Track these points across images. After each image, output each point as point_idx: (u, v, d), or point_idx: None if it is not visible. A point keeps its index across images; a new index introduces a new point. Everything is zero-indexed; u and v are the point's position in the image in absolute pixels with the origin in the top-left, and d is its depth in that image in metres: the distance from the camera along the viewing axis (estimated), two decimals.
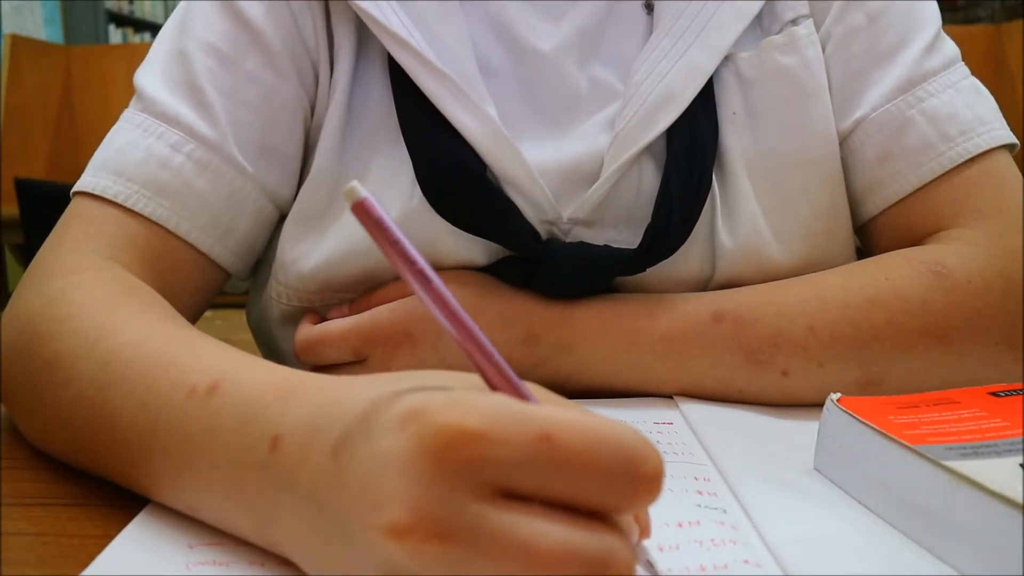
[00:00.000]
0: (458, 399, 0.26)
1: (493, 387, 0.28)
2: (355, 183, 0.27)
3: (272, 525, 0.31)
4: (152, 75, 0.56)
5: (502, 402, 0.26)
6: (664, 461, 0.26)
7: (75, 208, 0.54)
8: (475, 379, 0.29)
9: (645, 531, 0.30)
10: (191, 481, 0.35)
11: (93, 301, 0.45)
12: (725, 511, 0.37)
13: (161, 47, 0.58)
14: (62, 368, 0.42)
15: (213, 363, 0.37)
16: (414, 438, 0.25)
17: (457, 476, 0.25)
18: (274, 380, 0.34)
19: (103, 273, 0.49)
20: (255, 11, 0.56)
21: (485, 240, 0.54)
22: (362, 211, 0.27)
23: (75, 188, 0.54)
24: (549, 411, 0.26)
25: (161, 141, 0.54)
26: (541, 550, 0.24)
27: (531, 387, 0.30)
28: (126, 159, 0.54)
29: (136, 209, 0.53)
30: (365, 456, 0.27)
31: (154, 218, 0.53)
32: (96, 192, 0.53)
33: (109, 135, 0.56)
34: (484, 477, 0.25)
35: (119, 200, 0.53)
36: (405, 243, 0.27)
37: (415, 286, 0.27)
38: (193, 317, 0.58)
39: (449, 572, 0.24)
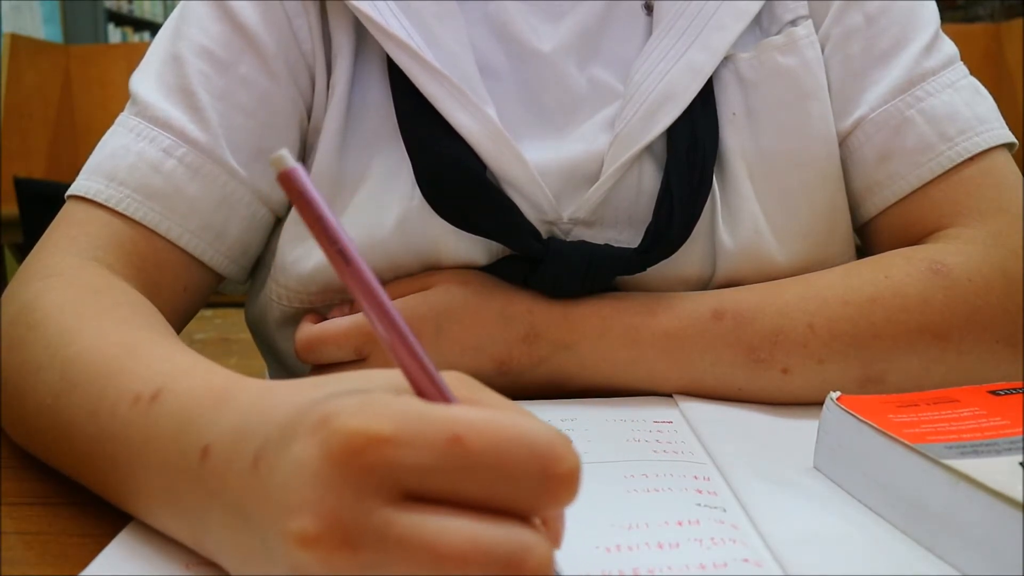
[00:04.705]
0: (368, 402, 0.25)
1: (409, 376, 0.27)
2: (283, 151, 0.26)
3: (204, 534, 0.31)
4: (146, 79, 0.56)
5: (412, 404, 0.25)
6: (583, 461, 0.26)
7: (66, 211, 0.55)
8: (399, 378, 0.28)
9: (556, 541, 0.29)
10: (134, 490, 0.35)
11: (61, 306, 0.45)
12: (725, 510, 0.37)
13: (156, 50, 0.58)
14: (27, 377, 0.42)
15: (157, 370, 0.37)
16: (323, 444, 0.25)
17: (365, 481, 0.24)
18: (210, 387, 0.33)
19: (79, 274, 0.49)
20: (249, 14, 0.56)
21: (486, 240, 0.54)
22: (288, 182, 0.26)
23: (68, 192, 0.55)
24: (459, 412, 0.25)
25: (153, 145, 0.54)
26: (450, 550, 0.24)
27: (452, 377, 0.29)
28: (118, 163, 0.54)
29: (127, 213, 0.53)
30: (281, 464, 0.26)
31: (144, 222, 0.53)
32: (88, 196, 0.53)
33: (103, 139, 0.56)
34: (392, 481, 0.24)
35: (110, 204, 0.53)
36: (329, 218, 0.26)
37: (334, 264, 0.26)
38: (184, 315, 0.58)
39: None
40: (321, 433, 0.25)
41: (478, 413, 0.25)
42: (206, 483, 0.30)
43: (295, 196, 0.26)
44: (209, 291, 0.59)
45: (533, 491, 0.25)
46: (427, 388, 0.27)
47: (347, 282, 0.27)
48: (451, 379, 0.29)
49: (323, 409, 0.26)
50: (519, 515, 0.25)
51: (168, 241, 0.54)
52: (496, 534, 0.24)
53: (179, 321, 0.57)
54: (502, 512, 0.25)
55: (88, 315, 0.44)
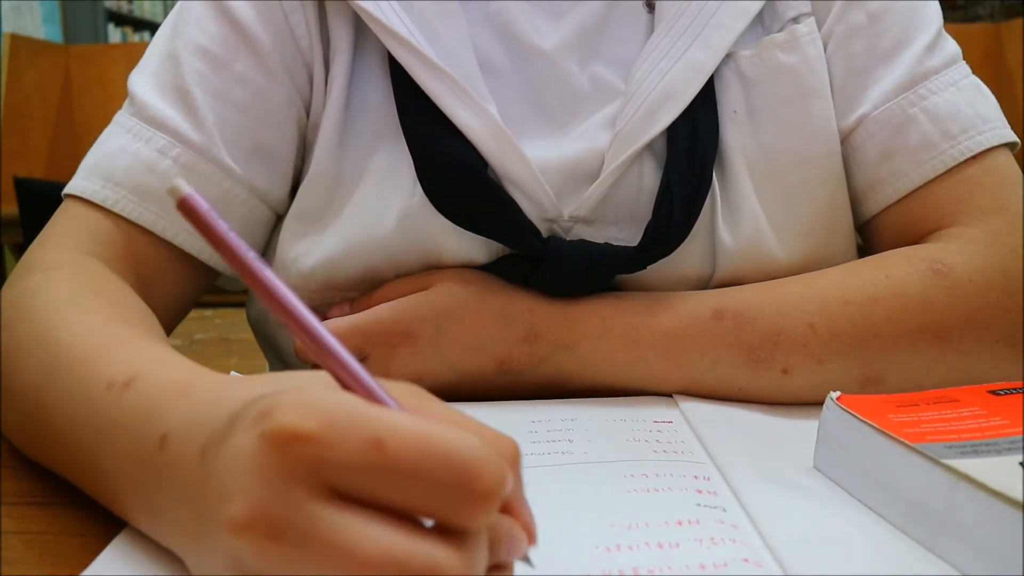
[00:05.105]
0: (304, 399, 0.26)
1: (343, 384, 0.28)
2: (179, 180, 0.27)
3: (160, 522, 0.32)
4: (143, 77, 0.57)
5: (343, 403, 0.26)
6: (507, 479, 0.26)
7: (63, 209, 0.56)
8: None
9: (531, 537, 0.29)
10: (103, 473, 0.36)
11: (56, 298, 0.46)
12: (725, 510, 0.37)
13: (154, 49, 0.58)
14: (18, 359, 0.44)
15: (134, 358, 0.38)
16: (258, 437, 0.26)
17: (293, 476, 0.25)
18: (177, 378, 0.34)
19: (77, 268, 0.50)
20: (246, 12, 0.57)
21: (486, 238, 0.54)
22: (187, 208, 0.27)
23: (65, 191, 0.56)
24: (387, 416, 0.26)
25: (149, 146, 0.55)
26: (363, 554, 0.24)
27: (401, 389, 0.29)
28: (114, 164, 0.55)
29: (123, 214, 0.54)
30: (223, 454, 0.27)
31: (140, 223, 0.54)
32: (85, 196, 0.54)
33: (101, 137, 0.57)
34: (317, 477, 0.25)
35: (107, 205, 0.54)
36: (232, 238, 0.27)
37: (247, 281, 0.27)
38: (178, 310, 0.58)
39: (286, 570, 0.25)
40: (258, 427, 0.26)
41: (405, 420, 0.26)
42: (163, 472, 0.31)
43: (195, 221, 0.27)
44: (204, 287, 0.59)
45: (448, 503, 0.25)
46: (356, 388, 0.28)
47: (261, 298, 0.28)
48: (399, 391, 0.29)
49: (263, 403, 0.27)
50: (443, 524, 0.26)
51: (164, 240, 0.55)
52: (411, 547, 0.25)
53: (173, 316, 0.58)
54: (421, 517, 0.26)
55: (81, 306, 0.45)
